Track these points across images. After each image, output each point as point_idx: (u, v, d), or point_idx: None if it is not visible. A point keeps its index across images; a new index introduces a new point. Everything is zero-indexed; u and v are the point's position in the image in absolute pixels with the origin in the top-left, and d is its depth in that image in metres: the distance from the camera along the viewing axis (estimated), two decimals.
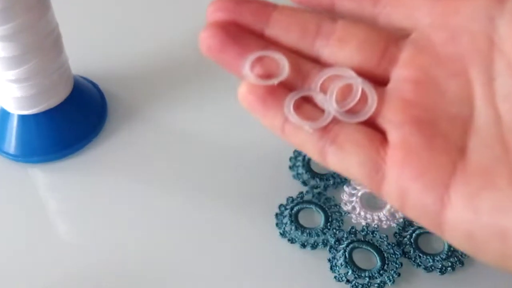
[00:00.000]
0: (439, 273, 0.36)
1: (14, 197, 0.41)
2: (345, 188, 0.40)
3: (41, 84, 0.39)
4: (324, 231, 0.37)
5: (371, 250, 0.36)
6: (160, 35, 0.52)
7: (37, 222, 0.39)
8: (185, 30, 0.52)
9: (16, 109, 0.41)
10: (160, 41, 0.51)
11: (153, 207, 0.40)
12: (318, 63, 0.25)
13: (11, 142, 0.42)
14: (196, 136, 0.44)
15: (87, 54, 0.49)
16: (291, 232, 0.37)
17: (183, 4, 0.54)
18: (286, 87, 0.24)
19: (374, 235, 0.37)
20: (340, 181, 0.40)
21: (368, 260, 0.36)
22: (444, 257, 0.36)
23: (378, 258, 0.36)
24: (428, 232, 0.37)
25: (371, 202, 0.39)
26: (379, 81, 0.25)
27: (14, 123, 0.41)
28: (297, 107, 0.24)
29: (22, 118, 0.41)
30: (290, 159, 0.41)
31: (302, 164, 0.41)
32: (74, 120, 0.42)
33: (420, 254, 0.36)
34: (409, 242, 0.37)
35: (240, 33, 0.25)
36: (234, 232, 0.38)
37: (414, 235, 0.37)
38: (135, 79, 0.48)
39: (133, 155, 0.43)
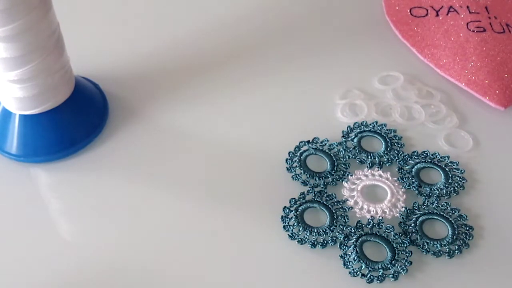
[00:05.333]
0: (448, 257, 0.36)
1: (16, 196, 0.40)
2: (344, 183, 0.40)
3: (43, 85, 0.39)
4: (332, 228, 0.37)
5: (380, 242, 0.37)
6: (161, 36, 0.51)
7: (38, 221, 0.39)
8: (185, 31, 0.52)
9: (17, 109, 0.40)
10: (161, 42, 0.51)
11: (154, 207, 0.39)
12: None
13: (13, 142, 0.41)
14: (196, 137, 0.43)
15: (89, 54, 0.49)
16: (300, 233, 0.37)
17: (183, 5, 0.54)
18: None
19: (381, 226, 0.38)
20: (338, 177, 0.40)
21: (379, 252, 0.37)
22: (450, 241, 0.37)
23: (387, 249, 0.36)
24: (431, 218, 0.38)
25: (372, 194, 0.39)
26: None
27: (16, 123, 0.41)
28: None
29: (24, 118, 0.41)
30: (286, 160, 0.41)
31: (298, 164, 0.41)
32: (75, 120, 0.42)
33: (427, 241, 0.37)
34: (415, 230, 0.37)
35: None
36: (240, 238, 0.38)
37: (418, 222, 0.38)
38: (136, 80, 0.47)
39: (134, 155, 0.42)
